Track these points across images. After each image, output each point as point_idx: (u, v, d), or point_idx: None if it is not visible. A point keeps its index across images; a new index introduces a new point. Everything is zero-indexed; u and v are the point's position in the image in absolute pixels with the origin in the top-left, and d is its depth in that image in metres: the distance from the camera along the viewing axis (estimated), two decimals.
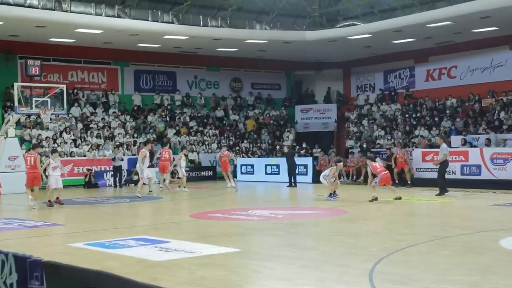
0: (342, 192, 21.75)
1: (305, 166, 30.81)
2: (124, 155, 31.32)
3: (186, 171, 26.54)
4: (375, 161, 20.21)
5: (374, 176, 19.69)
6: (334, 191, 20.51)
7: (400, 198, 19.43)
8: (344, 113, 40.66)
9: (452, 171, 25.82)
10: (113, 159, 29.74)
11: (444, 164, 22.19)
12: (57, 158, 20.42)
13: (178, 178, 26.64)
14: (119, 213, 18.54)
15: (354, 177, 30.66)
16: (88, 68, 36.26)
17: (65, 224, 15.62)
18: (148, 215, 18.24)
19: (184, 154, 26.90)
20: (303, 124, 40.20)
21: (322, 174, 20.80)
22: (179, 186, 25.76)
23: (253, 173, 33.45)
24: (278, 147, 35.63)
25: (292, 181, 27.72)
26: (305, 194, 23.76)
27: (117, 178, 30.00)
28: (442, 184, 21.97)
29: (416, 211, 17.91)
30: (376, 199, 19.08)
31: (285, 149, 28.72)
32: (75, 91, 35.56)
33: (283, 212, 17.22)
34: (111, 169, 30.54)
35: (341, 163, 20.95)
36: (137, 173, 24.50)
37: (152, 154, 25.36)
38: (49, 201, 20.11)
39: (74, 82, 35.82)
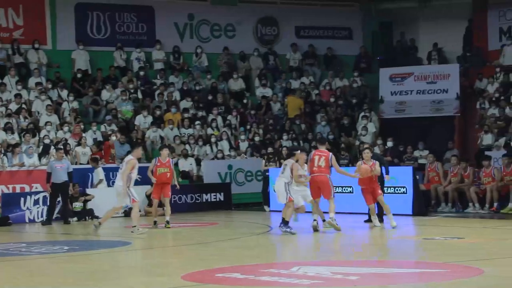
0: (471, 233, 19.63)
1: (400, 184, 25.95)
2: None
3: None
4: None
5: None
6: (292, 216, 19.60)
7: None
8: (475, 82, 33.21)
9: None
10: (49, 173, 25.12)
11: None
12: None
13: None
14: (51, 272, 15.35)
15: (495, 204, 25.01)
16: None
17: None
18: (106, 275, 14.83)
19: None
20: (395, 104, 34.05)
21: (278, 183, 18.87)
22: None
23: None
24: (344, 147, 31.57)
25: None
26: (401, 237, 19.79)
27: (55, 206, 25.88)
28: None
29: None
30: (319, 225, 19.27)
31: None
32: None
33: (357, 270, 13.95)
34: (39, 190, 26.98)
35: (301, 153, 19.30)
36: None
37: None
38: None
39: None
